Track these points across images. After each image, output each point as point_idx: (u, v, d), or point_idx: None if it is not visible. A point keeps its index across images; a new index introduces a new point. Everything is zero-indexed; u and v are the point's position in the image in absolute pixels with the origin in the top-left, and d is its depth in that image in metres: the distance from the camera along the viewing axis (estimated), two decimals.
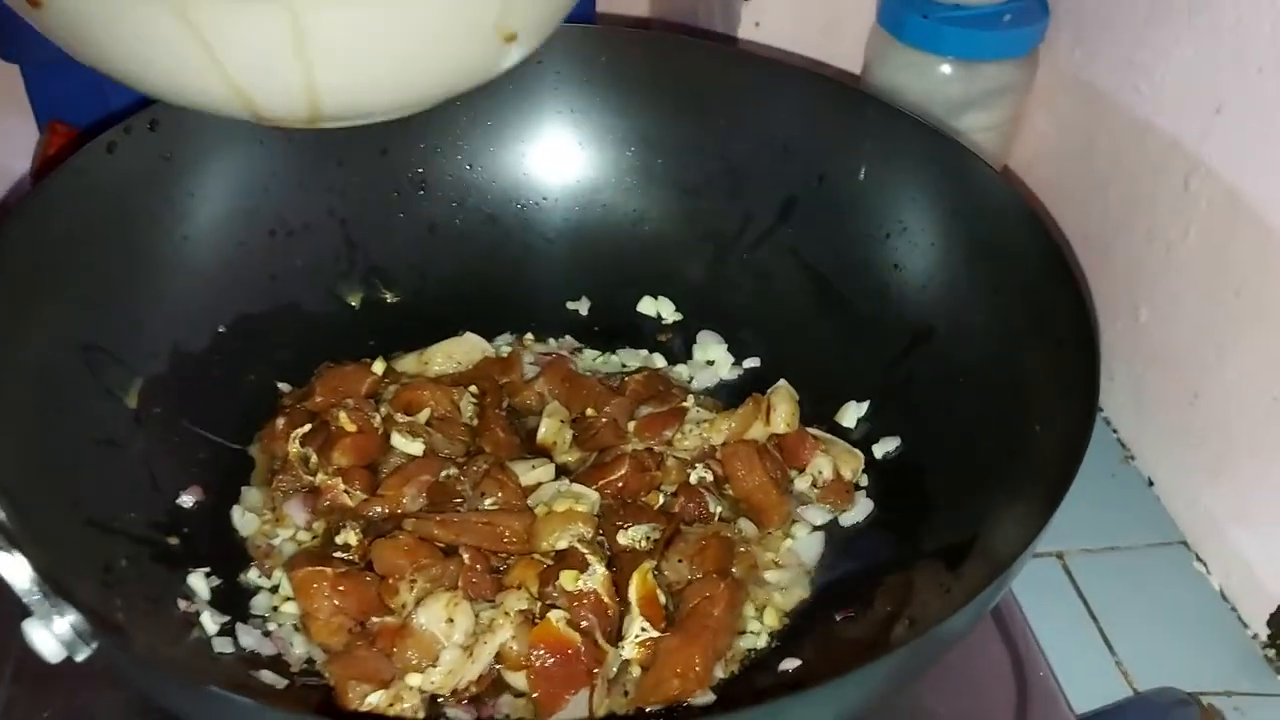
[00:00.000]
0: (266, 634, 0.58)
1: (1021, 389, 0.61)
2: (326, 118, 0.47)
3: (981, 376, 0.65)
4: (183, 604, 0.56)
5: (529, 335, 0.77)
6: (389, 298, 0.76)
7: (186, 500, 0.62)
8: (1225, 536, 0.74)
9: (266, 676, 0.55)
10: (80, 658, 0.45)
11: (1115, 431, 0.84)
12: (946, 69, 0.84)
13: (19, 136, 0.87)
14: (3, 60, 0.84)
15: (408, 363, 0.73)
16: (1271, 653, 0.71)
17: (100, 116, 0.85)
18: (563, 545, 0.60)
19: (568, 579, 0.57)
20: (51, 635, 0.45)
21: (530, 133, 0.77)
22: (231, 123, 0.68)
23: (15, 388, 0.53)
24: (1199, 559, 0.76)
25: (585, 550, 0.59)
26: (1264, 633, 0.71)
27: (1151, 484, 0.81)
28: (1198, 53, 0.74)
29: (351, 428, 0.66)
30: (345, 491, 0.64)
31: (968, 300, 0.67)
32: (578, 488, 0.64)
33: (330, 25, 0.43)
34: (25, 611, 0.47)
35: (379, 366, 0.71)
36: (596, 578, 0.57)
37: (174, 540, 0.60)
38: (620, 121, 0.77)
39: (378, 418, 0.67)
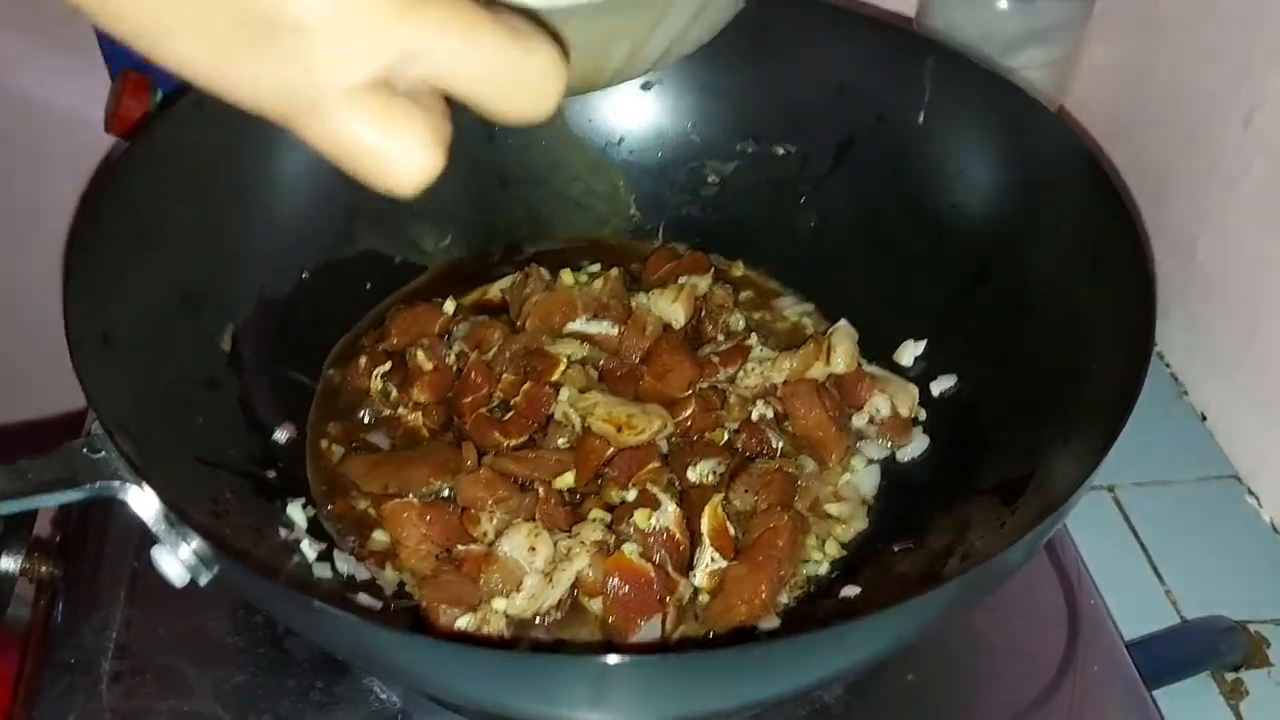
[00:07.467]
0: (360, 560, 0.62)
1: (1077, 329, 0.63)
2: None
3: (1038, 315, 0.66)
4: (283, 532, 0.60)
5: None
6: (459, 244, 0.79)
7: (280, 436, 0.66)
8: (1277, 471, 0.75)
9: (363, 599, 0.59)
10: (204, 581, 0.49)
11: (1169, 367, 0.85)
12: (1004, 5, 0.84)
13: (91, 84, 0.90)
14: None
15: (469, 300, 0.77)
16: None
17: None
18: (631, 495, 0.63)
19: (641, 517, 0.60)
20: (178, 561, 0.49)
21: None
22: None
23: (129, 334, 0.56)
24: (1251, 493, 0.77)
25: (656, 490, 0.62)
26: None
27: (1205, 419, 0.82)
28: None
29: (428, 366, 0.69)
30: (426, 426, 0.68)
31: (1024, 240, 0.68)
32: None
33: None
34: (144, 538, 0.51)
35: (449, 306, 0.74)
36: (669, 515, 0.60)
37: (271, 474, 0.63)
38: (680, 65, 0.78)
39: (451, 355, 0.70)
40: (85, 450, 0.50)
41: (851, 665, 0.53)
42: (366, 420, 0.69)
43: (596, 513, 0.62)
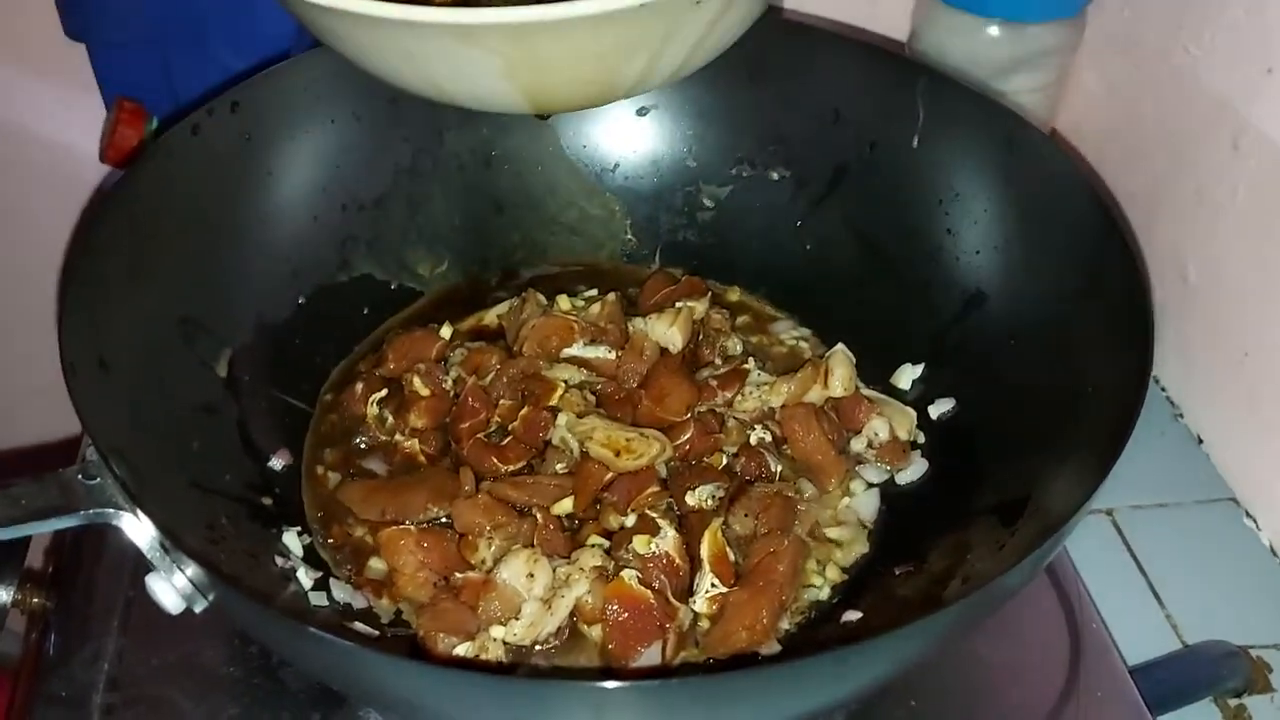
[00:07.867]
0: (357, 588, 0.61)
1: (1075, 351, 0.63)
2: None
3: (1034, 339, 0.66)
4: (279, 560, 0.60)
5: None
6: (456, 269, 0.79)
7: (276, 463, 0.66)
8: (1275, 493, 0.75)
9: (359, 628, 0.58)
10: (199, 609, 0.49)
11: (1164, 390, 0.85)
12: (994, 31, 0.85)
13: (85, 113, 0.90)
14: (70, 39, 0.87)
15: (466, 325, 0.76)
16: None
17: (163, 92, 0.88)
18: (630, 521, 0.62)
19: (640, 543, 0.60)
20: (172, 588, 0.48)
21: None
22: (305, 102, 0.71)
23: (124, 361, 0.56)
24: (1249, 515, 0.77)
25: (655, 515, 0.61)
26: None
27: (1201, 441, 0.82)
28: (1247, 13, 0.75)
29: (425, 391, 0.69)
30: (423, 452, 0.67)
31: (1020, 264, 0.69)
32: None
33: None
34: (138, 568, 0.51)
35: (446, 331, 0.74)
36: (668, 540, 0.60)
37: (267, 500, 0.63)
38: (675, 91, 0.79)
39: (448, 380, 0.70)
40: (80, 476, 0.49)
41: (853, 690, 0.53)
42: (363, 446, 0.69)
43: (595, 539, 0.62)
